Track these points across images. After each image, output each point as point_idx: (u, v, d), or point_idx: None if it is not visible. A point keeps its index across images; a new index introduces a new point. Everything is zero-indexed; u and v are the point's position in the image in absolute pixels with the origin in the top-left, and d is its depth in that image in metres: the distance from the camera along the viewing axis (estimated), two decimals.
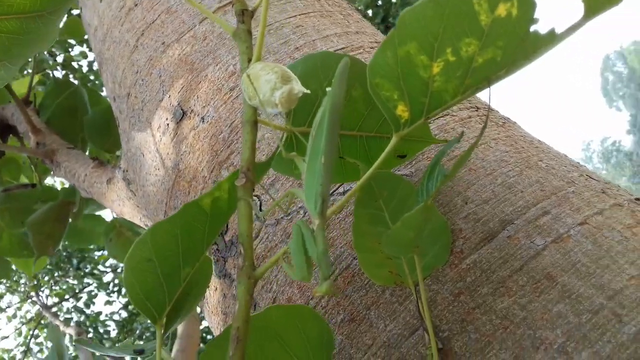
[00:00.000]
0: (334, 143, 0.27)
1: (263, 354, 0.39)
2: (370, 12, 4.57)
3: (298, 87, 0.30)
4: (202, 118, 0.64)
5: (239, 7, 0.35)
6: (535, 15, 0.29)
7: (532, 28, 0.29)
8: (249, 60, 0.35)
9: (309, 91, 0.31)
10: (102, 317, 6.38)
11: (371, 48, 0.64)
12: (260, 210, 0.56)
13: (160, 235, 0.32)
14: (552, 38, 0.29)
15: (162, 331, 0.35)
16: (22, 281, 6.32)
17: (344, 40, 0.64)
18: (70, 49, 4.37)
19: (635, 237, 0.42)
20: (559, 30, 0.29)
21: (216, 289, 0.60)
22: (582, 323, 0.37)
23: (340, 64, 0.28)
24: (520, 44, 0.29)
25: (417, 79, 0.32)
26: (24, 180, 1.96)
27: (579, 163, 0.52)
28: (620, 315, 0.37)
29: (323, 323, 0.42)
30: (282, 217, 0.53)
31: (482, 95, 0.62)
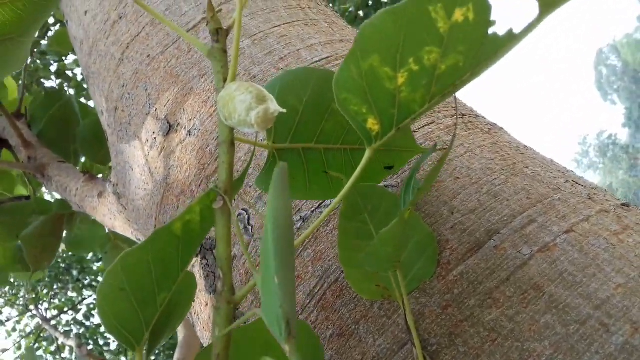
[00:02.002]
0: (287, 258, 0.24)
1: None
2: (361, 12, 4.57)
3: (274, 107, 0.30)
4: (189, 131, 0.64)
5: (213, 26, 0.35)
6: (492, 18, 0.29)
7: (491, 30, 0.29)
8: (225, 80, 0.34)
9: (284, 110, 0.30)
10: (102, 329, 6.35)
11: None
12: (249, 224, 0.55)
13: (131, 263, 0.32)
14: (511, 38, 0.29)
15: (143, 357, 0.34)
16: (21, 294, 6.29)
17: (329, 49, 0.64)
18: (64, 58, 4.36)
19: (621, 244, 0.41)
20: (516, 30, 0.29)
21: (207, 304, 0.59)
22: (569, 334, 0.37)
23: (276, 169, 0.26)
24: (480, 48, 0.29)
25: (383, 91, 0.31)
26: (21, 192, 1.95)
27: (565, 168, 0.52)
28: (607, 325, 0.37)
29: (313, 335, 0.41)
30: None
31: (470, 99, 0.61)
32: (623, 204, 0.46)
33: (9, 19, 0.37)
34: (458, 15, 0.28)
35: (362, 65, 0.30)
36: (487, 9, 0.28)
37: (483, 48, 0.30)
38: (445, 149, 0.48)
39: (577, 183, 0.48)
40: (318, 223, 0.37)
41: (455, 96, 0.34)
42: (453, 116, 0.55)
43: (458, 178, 0.48)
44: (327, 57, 0.63)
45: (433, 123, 0.54)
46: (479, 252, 0.43)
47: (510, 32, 0.29)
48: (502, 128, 0.57)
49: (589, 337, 0.37)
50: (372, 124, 0.34)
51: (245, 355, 0.39)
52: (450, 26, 0.29)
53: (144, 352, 0.34)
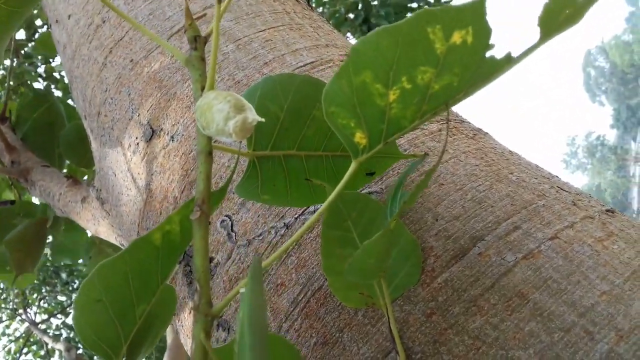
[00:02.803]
0: (264, 356, 0.23)
1: None
2: (351, 15, 4.57)
3: (252, 116, 0.29)
4: (172, 137, 0.63)
5: (191, 34, 0.34)
6: (491, 41, 0.28)
7: (488, 53, 0.29)
8: (203, 89, 0.34)
9: (263, 119, 0.30)
10: None
11: (341, 61, 0.63)
12: (232, 230, 0.55)
13: (108, 274, 0.31)
14: (509, 62, 0.28)
15: None
16: (10, 298, 6.23)
17: (314, 53, 0.63)
18: (51, 60, 4.32)
19: (605, 250, 0.41)
20: (515, 54, 0.28)
21: (190, 311, 0.59)
22: (554, 342, 0.37)
23: (252, 261, 0.25)
24: (476, 70, 0.29)
25: (373, 106, 0.31)
26: (8, 196, 1.93)
27: (550, 173, 0.52)
28: (592, 333, 0.37)
29: (293, 350, 0.41)
30: (253, 238, 0.52)
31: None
32: (607, 210, 0.46)
33: None
34: (456, 37, 0.28)
35: (354, 80, 0.30)
36: (487, 33, 0.28)
37: (479, 70, 0.29)
38: (427, 154, 0.48)
39: (561, 189, 0.48)
40: (300, 234, 0.36)
41: (447, 111, 0.34)
42: (438, 121, 0.54)
43: (442, 184, 0.47)
44: (312, 62, 0.62)
45: (418, 129, 0.53)
46: (464, 259, 0.42)
47: (508, 55, 0.29)
48: (487, 133, 0.57)
49: (573, 345, 0.36)
50: (360, 137, 0.33)
51: None
52: (447, 48, 0.28)
53: None
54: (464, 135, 0.53)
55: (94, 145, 0.81)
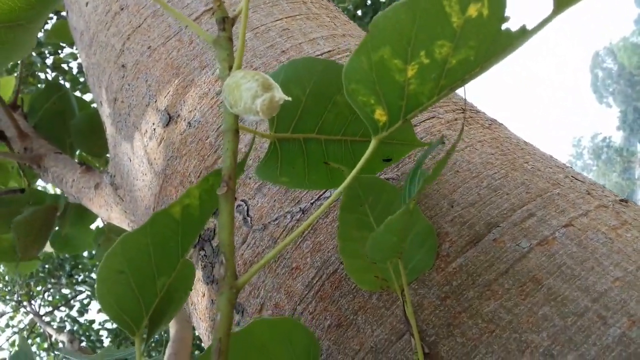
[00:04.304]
0: None
1: None
2: (360, 12, 4.57)
3: (279, 95, 0.30)
4: (189, 123, 0.64)
5: (219, 15, 0.35)
6: (506, 14, 0.29)
7: (504, 26, 0.29)
8: (230, 68, 0.34)
9: (290, 98, 0.31)
10: (95, 326, 6.31)
11: None
12: (248, 215, 0.56)
13: (130, 246, 0.32)
14: (524, 34, 0.29)
15: (142, 341, 0.34)
16: (15, 290, 6.25)
17: (331, 43, 0.64)
18: (60, 51, 4.33)
19: (619, 238, 0.42)
20: (529, 26, 0.29)
21: (204, 294, 0.59)
22: (567, 326, 0.38)
23: None
24: (492, 43, 0.29)
25: (392, 82, 0.32)
26: (14, 185, 1.95)
27: (564, 164, 0.52)
28: (605, 318, 0.37)
29: (309, 333, 0.42)
30: (269, 222, 0.53)
31: (470, 96, 0.61)
32: (621, 200, 0.46)
33: (19, 6, 0.37)
34: (472, 10, 0.28)
35: (373, 57, 0.31)
36: (502, 5, 0.28)
37: (495, 43, 0.30)
38: (445, 138, 0.49)
39: (576, 178, 0.49)
40: (319, 213, 0.37)
41: (464, 89, 0.34)
42: (454, 111, 0.55)
43: (458, 172, 0.48)
44: (329, 51, 0.63)
45: (434, 117, 0.54)
46: (478, 245, 0.43)
47: (523, 28, 0.29)
48: (502, 124, 0.57)
49: (586, 329, 0.37)
50: (380, 114, 0.34)
51: (242, 358, 0.39)
52: (463, 21, 0.29)
53: (144, 336, 0.35)
54: (479, 125, 0.54)
55: (109, 132, 0.81)
